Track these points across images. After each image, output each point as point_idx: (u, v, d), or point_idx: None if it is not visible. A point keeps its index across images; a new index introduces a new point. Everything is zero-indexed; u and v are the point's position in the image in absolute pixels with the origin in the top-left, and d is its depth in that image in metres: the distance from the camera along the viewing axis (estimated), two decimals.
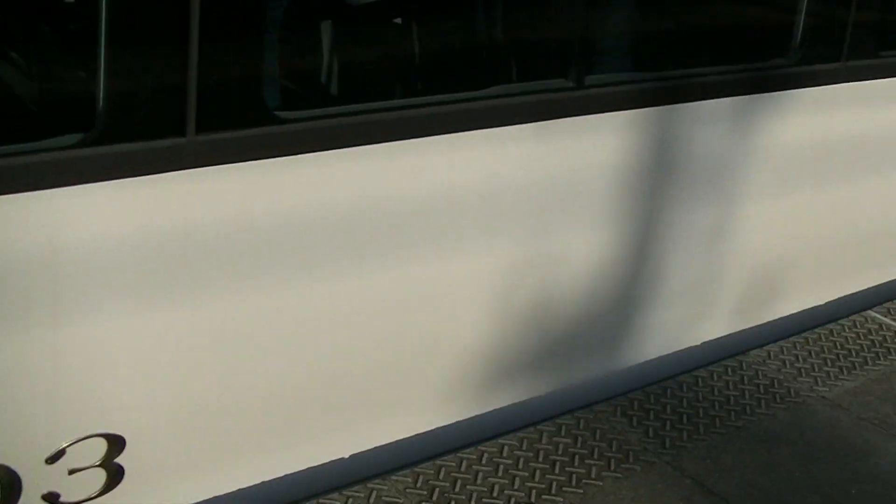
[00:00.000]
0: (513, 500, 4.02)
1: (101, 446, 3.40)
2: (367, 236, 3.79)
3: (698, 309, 5.09)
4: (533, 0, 4.49)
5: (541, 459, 4.26)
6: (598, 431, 4.46)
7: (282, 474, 3.90)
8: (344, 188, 3.67)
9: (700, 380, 4.86)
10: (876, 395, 4.93)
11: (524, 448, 4.31)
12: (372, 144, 3.69)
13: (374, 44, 4.29)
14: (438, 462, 4.16)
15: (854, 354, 5.24)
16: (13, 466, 3.26)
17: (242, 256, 3.50)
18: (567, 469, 4.22)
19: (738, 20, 5.05)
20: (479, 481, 4.09)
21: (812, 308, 5.64)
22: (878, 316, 5.63)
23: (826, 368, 5.09)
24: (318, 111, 3.74)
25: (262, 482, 3.85)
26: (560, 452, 4.31)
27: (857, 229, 5.71)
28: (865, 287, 5.93)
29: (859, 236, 5.75)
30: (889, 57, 5.44)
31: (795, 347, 5.22)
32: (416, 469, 4.11)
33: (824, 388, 4.92)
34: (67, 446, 3.33)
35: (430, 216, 3.94)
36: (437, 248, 3.99)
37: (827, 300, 5.73)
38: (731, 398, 4.77)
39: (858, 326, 5.50)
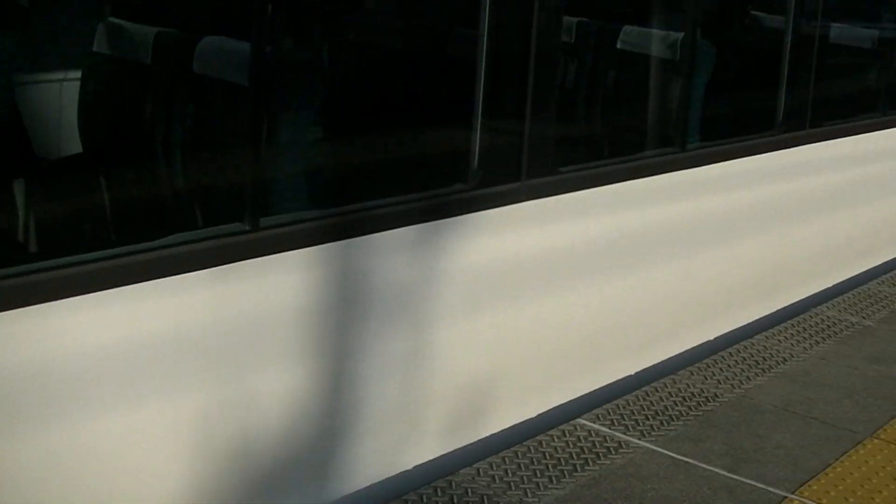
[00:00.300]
0: None
1: None
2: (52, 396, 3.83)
3: (406, 434, 5.28)
4: (204, 148, 4.68)
5: None
6: None
7: None
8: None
9: (410, 503, 5.03)
10: (585, 501, 5.19)
11: None
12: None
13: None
14: None
15: (563, 463, 5.50)
16: None
17: None
18: None
19: (412, 148, 5.34)
20: None
21: (523, 421, 5.92)
22: (587, 423, 5.94)
23: (535, 479, 5.32)
24: None
25: None
26: None
27: (560, 341, 6.04)
28: (575, 396, 6.27)
29: (562, 347, 6.08)
30: (569, 172, 5.85)
31: (505, 462, 5.44)
32: None
33: (533, 499, 5.14)
34: None
35: (115, 371, 4.02)
36: (125, 402, 4.06)
37: (538, 412, 6.02)
38: None
39: (567, 435, 5.78)
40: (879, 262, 9.34)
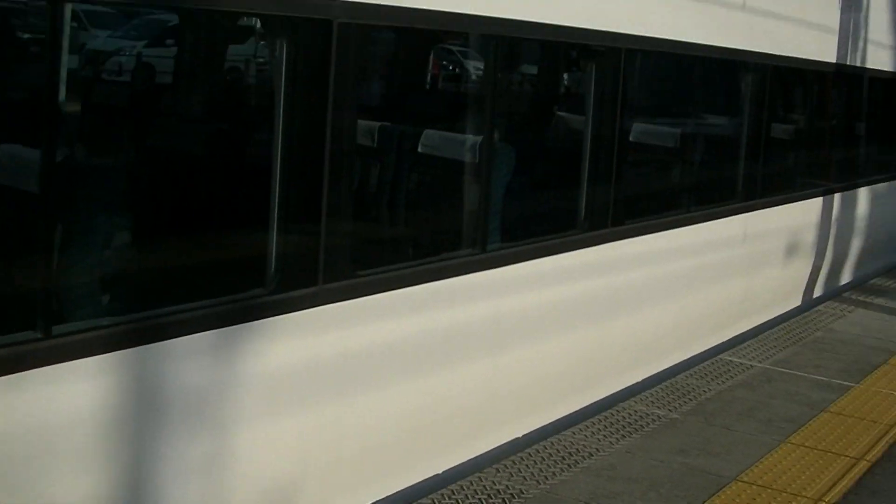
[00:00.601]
0: None
1: None
2: None
3: None
4: None
5: None
6: None
7: None
8: None
9: None
10: None
11: None
12: None
13: None
14: None
15: None
16: None
17: None
18: None
19: (210, 253, 5.47)
20: None
21: None
22: None
23: None
24: None
25: None
26: None
27: (365, 442, 6.21)
28: (381, 496, 6.45)
29: (368, 448, 6.25)
30: (368, 275, 6.09)
31: None
32: None
33: None
34: None
35: None
36: None
37: None
38: None
39: None
40: (689, 356, 9.80)
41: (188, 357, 5.07)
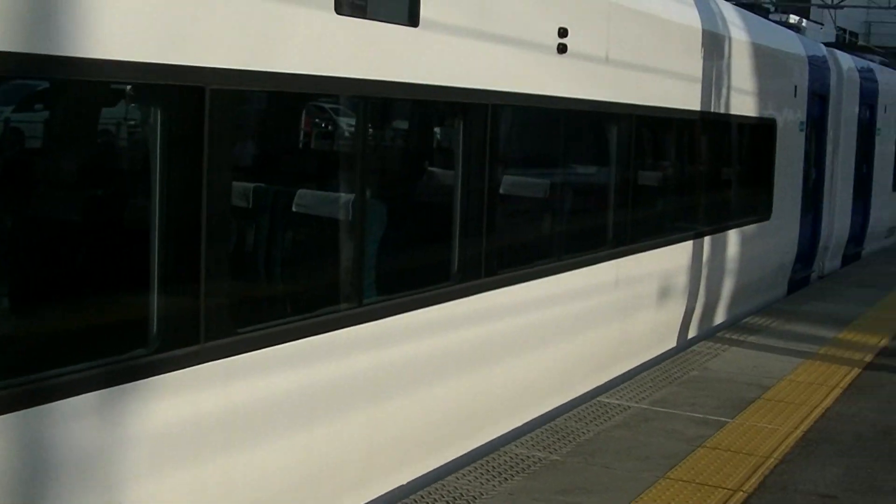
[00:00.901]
0: None
1: None
2: None
3: None
4: None
5: None
6: None
7: None
8: None
9: None
10: None
11: None
12: None
13: None
14: None
15: None
16: None
17: None
18: None
19: (93, 315, 5.61)
20: None
21: None
22: None
23: None
24: None
25: None
26: None
27: (250, 498, 6.40)
28: None
29: (262, 498, 6.47)
30: (247, 333, 6.32)
31: None
32: None
33: None
34: None
35: None
36: None
37: None
38: None
39: None
40: (568, 399, 10.15)
41: (71, 419, 5.24)
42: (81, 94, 5.51)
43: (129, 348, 5.63)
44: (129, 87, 5.65)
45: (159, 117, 5.65)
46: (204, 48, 5.81)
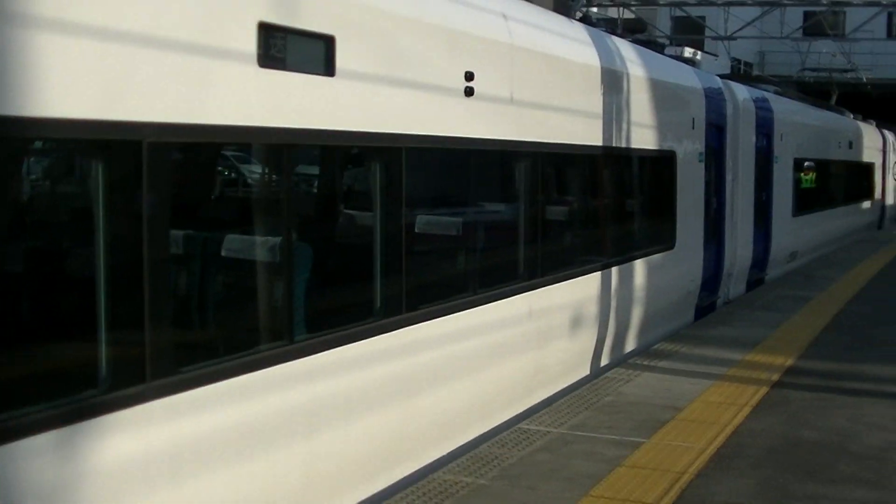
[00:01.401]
0: None
1: None
2: None
3: None
4: None
5: None
6: None
7: None
8: None
9: None
10: None
11: None
12: None
13: None
14: None
15: None
16: None
17: None
18: None
19: (37, 357, 5.94)
20: None
21: None
22: None
23: None
24: None
25: None
26: None
27: None
28: None
29: None
30: (189, 371, 6.74)
31: None
32: None
33: None
34: None
35: None
36: None
37: None
38: None
39: None
40: (489, 427, 10.64)
41: (23, 461, 5.59)
42: (29, 148, 5.92)
43: (82, 389, 6.03)
44: (73, 142, 6.07)
45: (101, 170, 6.09)
46: (141, 103, 6.26)
